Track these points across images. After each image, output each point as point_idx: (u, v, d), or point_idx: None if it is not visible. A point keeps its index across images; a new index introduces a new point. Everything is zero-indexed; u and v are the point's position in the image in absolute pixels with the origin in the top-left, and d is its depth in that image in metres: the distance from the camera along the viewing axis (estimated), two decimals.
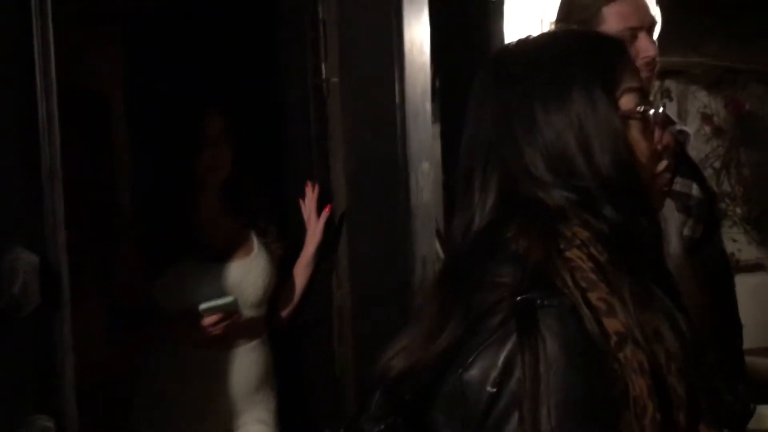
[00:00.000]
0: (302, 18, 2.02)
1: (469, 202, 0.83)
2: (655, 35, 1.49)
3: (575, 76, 0.81)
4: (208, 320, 1.72)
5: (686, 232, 1.49)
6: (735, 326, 1.60)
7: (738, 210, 5.50)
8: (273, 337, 1.99)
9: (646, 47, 1.44)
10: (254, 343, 1.90)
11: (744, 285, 1.63)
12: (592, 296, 0.74)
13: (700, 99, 5.53)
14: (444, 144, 2.76)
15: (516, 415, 0.71)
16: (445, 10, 2.53)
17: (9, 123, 1.10)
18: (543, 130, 0.80)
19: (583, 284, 0.74)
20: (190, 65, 2.15)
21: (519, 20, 2.77)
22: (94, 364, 1.58)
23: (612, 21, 1.44)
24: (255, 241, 1.93)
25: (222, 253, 1.88)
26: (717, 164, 5.48)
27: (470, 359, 0.74)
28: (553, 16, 1.84)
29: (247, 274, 1.88)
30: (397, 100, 1.91)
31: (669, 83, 5.26)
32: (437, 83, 2.76)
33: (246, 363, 1.88)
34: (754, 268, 5.38)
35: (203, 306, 1.71)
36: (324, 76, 2.01)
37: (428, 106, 2.08)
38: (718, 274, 1.57)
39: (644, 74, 1.44)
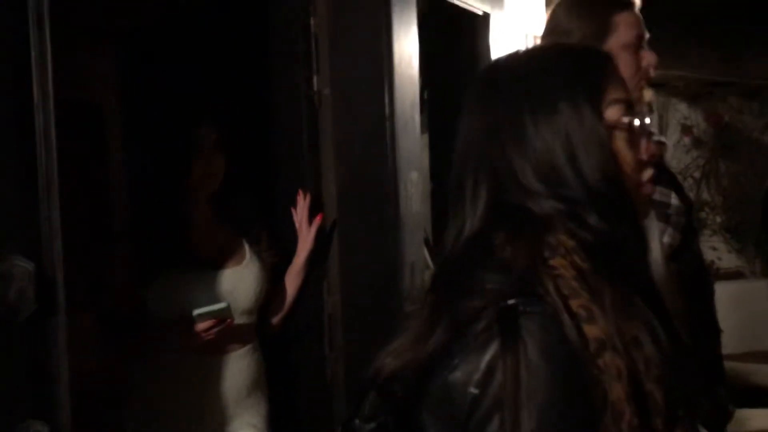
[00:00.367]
0: (294, 31, 2.04)
1: (461, 211, 0.86)
2: None
3: (562, 89, 0.84)
4: (201, 326, 1.73)
5: (666, 239, 1.53)
6: (713, 331, 1.64)
7: (718, 219, 5.58)
8: (264, 344, 2.01)
9: (649, 56, 1.49)
10: (245, 349, 1.92)
11: (724, 292, 1.67)
12: (574, 303, 0.76)
13: (681, 111, 5.61)
14: (432, 154, 2.80)
15: (498, 417, 0.73)
16: (433, 24, 2.57)
17: (6, 132, 1.11)
18: (532, 142, 0.83)
19: (566, 291, 0.76)
20: (184, 77, 2.17)
21: (505, 34, 2.82)
22: (88, 370, 1.59)
23: (623, 29, 1.48)
24: (247, 250, 1.95)
25: (214, 262, 1.89)
26: (697, 174, 5.56)
27: (455, 361, 0.76)
28: (539, 30, 1.88)
29: (238, 282, 1.89)
30: (387, 111, 1.95)
31: (650, 95, 5.32)
32: (426, 95, 2.80)
33: (237, 369, 1.89)
34: (734, 275, 5.44)
35: (197, 312, 1.72)
36: (315, 88, 2.04)
37: (417, 117, 2.12)
38: (696, 280, 1.61)
39: (642, 83, 1.49)
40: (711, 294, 1.65)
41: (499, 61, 0.94)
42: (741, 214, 5.48)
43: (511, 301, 0.75)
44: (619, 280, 0.79)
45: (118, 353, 1.84)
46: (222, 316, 1.75)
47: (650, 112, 5.30)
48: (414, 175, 2.07)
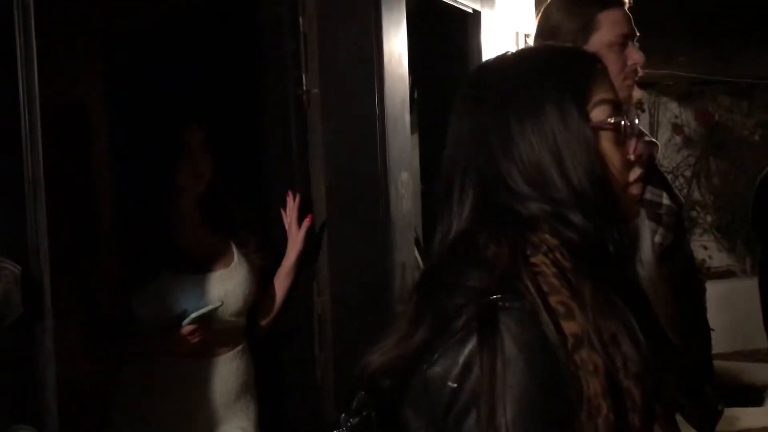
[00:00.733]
0: (283, 30, 2.04)
1: (448, 213, 0.87)
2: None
3: (548, 91, 0.85)
4: (187, 329, 1.72)
5: (657, 239, 1.53)
6: (703, 330, 1.65)
7: (708, 218, 5.61)
8: (254, 346, 2.00)
9: (635, 54, 1.48)
10: (234, 351, 1.90)
11: (715, 291, 1.68)
12: (553, 300, 0.77)
13: (671, 110, 5.65)
14: (422, 154, 2.79)
15: (475, 411, 0.74)
16: (423, 22, 2.56)
17: None
18: (518, 144, 0.84)
19: (545, 288, 0.77)
20: (171, 77, 2.15)
21: (495, 33, 2.81)
22: (76, 374, 1.58)
23: (606, 27, 1.47)
24: (235, 252, 1.94)
25: (202, 264, 1.88)
26: (688, 173, 5.59)
27: (435, 356, 0.78)
28: (529, 29, 1.87)
29: (227, 285, 1.88)
30: (377, 111, 1.94)
31: (641, 94, 5.35)
32: (416, 94, 2.79)
33: (226, 372, 1.88)
34: (724, 274, 5.48)
35: (193, 315, 1.71)
36: (304, 88, 2.03)
37: (407, 116, 2.11)
38: (687, 279, 1.61)
39: (629, 82, 1.48)
40: (702, 293, 1.65)
41: (486, 63, 0.95)
42: (731, 213, 5.52)
43: (491, 298, 0.77)
44: (600, 279, 0.80)
45: (106, 358, 1.83)
46: (213, 317, 1.74)
47: (641, 112, 5.33)
48: (404, 176, 2.07)
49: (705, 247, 5.41)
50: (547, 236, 0.81)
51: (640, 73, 1.51)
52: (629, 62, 1.47)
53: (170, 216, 1.86)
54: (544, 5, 1.60)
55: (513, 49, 0.96)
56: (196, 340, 1.74)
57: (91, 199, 1.96)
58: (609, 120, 0.85)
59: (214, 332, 1.84)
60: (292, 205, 2.00)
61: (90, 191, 1.97)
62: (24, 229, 1.18)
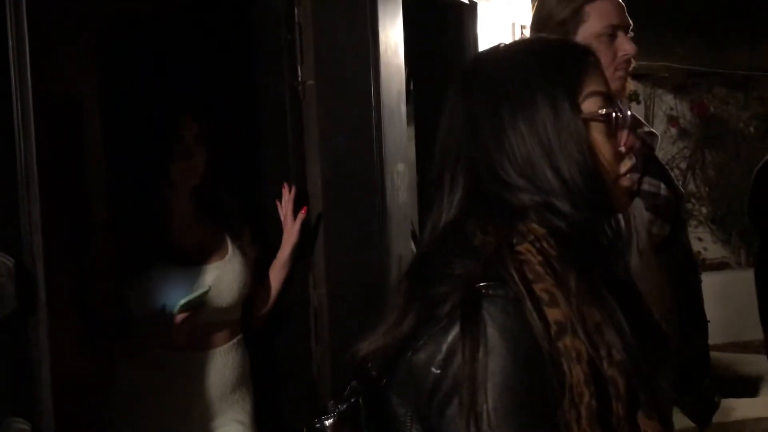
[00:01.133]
0: (278, 21, 2.02)
1: (439, 201, 0.88)
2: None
3: (539, 83, 0.85)
4: (179, 317, 1.71)
5: (654, 230, 1.53)
6: (700, 322, 1.65)
7: (703, 210, 5.63)
8: (250, 338, 1.99)
9: (626, 45, 1.47)
10: (230, 344, 1.90)
11: (710, 283, 1.68)
12: (537, 287, 0.78)
13: (667, 102, 5.65)
14: (419, 145, 2.78)
15: (457, 398, 0.75)
16: (419, 13, 2.55)
17: None
18: (510, 135, 0.84)
19: (530, 276, 0.78)
20: (166, 69, 2.14)
21: (492, 23, 2.81)
22: (70, 367, 1.57)
23: (594, 18, 1.47)
24: (230, 245, 1.93)
25: (196, 257, 1.87)
26: (683, 165, 5.61)
27: (420, 343, 0.79)
28: (526, 20, 1.86)
29: (221, 277, 1.87)
30: (373, 101, 1.93)
31: (636, 86, 5.36)
32: (412, 85, 2.78)
33: (222, 364, 1.88)
34: (719, 266, 5.50)
35: (182, 302, 1.70)
36: (300, 79, 2.02)
37: (403, 107, 2.10)
38: (684, 271, 1.61)
39: (620, 73, 1.47)
40: (698, 285, 1.65)
41: (480, 54, 0.96)
42: (726, 204, 5.53)
43: (475, 286, 0.77)
44: (587, 269, 0.81)
45: (100, 351, 1.82)
46: (203, 301, 1.73)
47: (636, 104, 5.33)
48: (400, 167, 2.06)
49: (700, 239, 5.43)
50: (535, 225, 0.82)
51: (633, 64, 1.50)
52: (620, 53, 1.46)
53: (165, 209, 1.85)
54: None
55: (508, 41, 0.96)
56: (189, 327, 1.73)
57: (85, 192, 1.95)
58: (600, 112, 0.86)
59: (210, 325, 1.83)
60: (287, 197, 2.00)
61: (84, 184, 1.95)
62: (17, 222, 1.17)
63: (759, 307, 2.14)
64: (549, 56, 0.89)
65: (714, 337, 1.70)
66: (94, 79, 2.03)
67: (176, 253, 1.83)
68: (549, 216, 0.82)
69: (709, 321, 1.68)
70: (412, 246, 2.25)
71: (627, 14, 1.52)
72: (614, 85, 1.45)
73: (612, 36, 1.46)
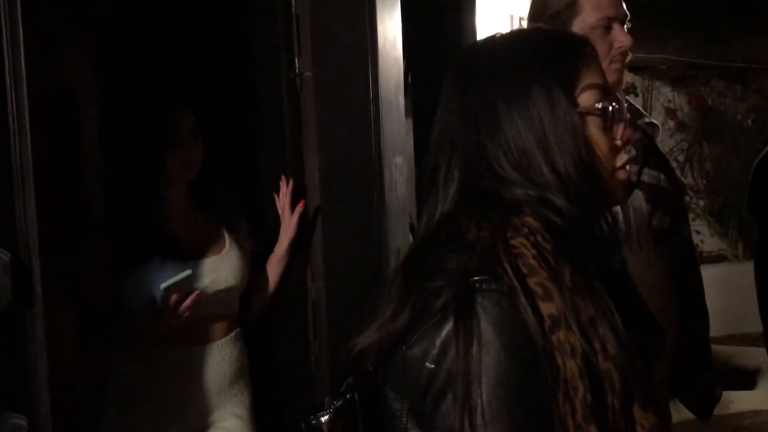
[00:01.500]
0: (275, 12, 2.00)
1: (434, 195, 0.87)
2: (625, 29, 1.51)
3: (535, 75, 0.84)
4: (172, 300, 1.70)
5: (655, 222, 1.52)
6: (701, 314, 1.64)
7: (701, 202, 5.63)
8: (247, 332, 1.99)
9: (621, 37, 1.46)
10: (227, 338, 1.89)
11: (707, 275, 1.68)
12: (531, 281, 0.77)
13: (665, 94, 5.64)
14: (417, 138, 2.77)
15: (451, 392, 0.75)
16: (417, 5, 2.53)
17: None
18: (504, 128, 0.83)
19: (524, 270, 0.78)
20: (161, 61, 2.12)
21: (490, 15, 2.79)
22: (67, 362, 1.56)
23: (588, 10, 1.46)
24: (227, 238, 1.92)
25: (193, 251, 1.86)
26: (681, 158, 5.61)
27: (414, 338, 0.79)
28: (524, 12, 1.85)
29: (218, 271, 1.87)
30: (371, 94, 1.92)
31: (634, 78, 5.35)
32: (410, 78, 2.77)
33: (219, 358, 1.87)
34: (716, 259, 5.51)
35: (164, 285, 1.70)
36: (297, 71, 2.00)
37: (401, 100, 2.09)
38: (685, 263, 1.61)
39: (616, 65, 1.46)
40: (699, 278, 1.65)
41: (475, 46, 0.95)
42: (724, 197, 5.54)
43: (469, 280, 0.77)
44: (582, 263, 0.80)
45: (97, 346, 1.81)
46: (188, 285, 1.72)
47: (634, 96, 5.32)
48: (399, 160, 2.05)
49: (697, 232, 5.42)
50: (530, 219, 0.81)
51: (630, 56, 1.48)
52: (615, 45, 1.45)
53: (161, 203, 1.84)
54: None
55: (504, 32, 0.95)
56: (186, 315, 1.71)
57: (81, 186, 1.93)
58: (596, 105, 0.85)
59: (207, 318, 1.82)
60: (284, 190, 1.99)
61: (80, 178, 1.94)
62: (13, 216, 1.17)
63: (759, 300, 2.14)
64: (545, 48, 0.88)
65: (711, 329, 1.71)
66: (90, 72, 2.01)
67: (173, 247, 1.82)
68: (544, 210, 0.81)
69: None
70: (411, 239, 2.24)
71: (623, 6, 1.51)
72: (610, 78, 1.44)
73: (607, 28, 1.45)
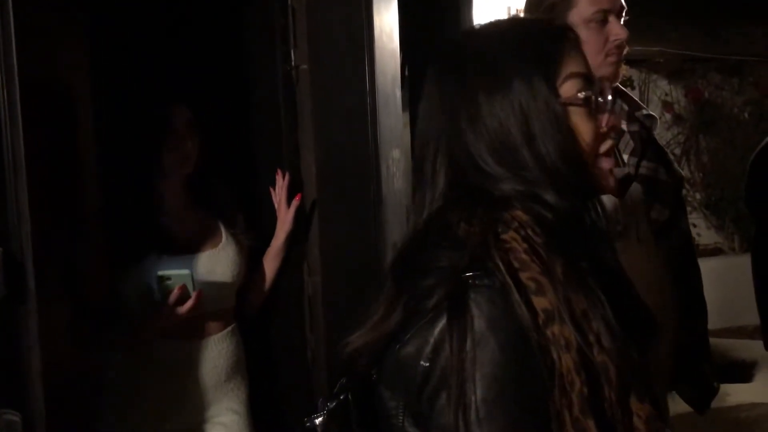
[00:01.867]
0: (271, 5, 1.99)
1: (421, 192, 0.86)
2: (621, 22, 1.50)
3: (515, 65, 0.83)
4: (171, 298, 1.69)
5: (653, 215, 1.51)
6: (699, 307, 1.64)
7: (697, 195, 5.64)
8: (244, 327, 1.98)
9: (617, 30, 1.44)
10: (224, 332, 1.89)
11: (703, 268, 1.68)
12: (523, 276, 0.77)
13: (661, 87, 5.64)
14: (414, 132, 2.75)
15: (446, 390, 0.75)
16: None
17: None
18: (486, 120, 0.82)
19: (516, 264, 0.77)
20: (157, 56, 2.10)
21: (487, 8, 2.78)
22: (61, 357, 1.55)
23: (584, 3, 1.44)
24: (223, 232, 1.91)
25: (189, 245, 1.85)
26: (677, 151, 5.61)
27: (407, 336, 0.78)
28: (521, 4, 1.84)
29: (215, 265, 1.86)
30: (367, 87, 1.91)
31: (631, 71, 5.34)
32: (407, 70, 2.75)
33: (216, 353, 1.87)
34: (713, 251, 5.52)
35: (160, 272, 1.69)
36: (293, 63, 1.99)
37: (398, 93, 2.08)
38: (683, 256, 1.60)
39: (612, 58, 1.45)
40: (698, 271, 1.64)
41: (454, 39, 0.93)
42: (720, 190, 5.54)
43: (461, 276, 0.77)
44: (572, 255, 0.80)
45: (92, 341, 1.80)
46: (185, 282, 1.71)
47: (631, 89, 5.32)
48: (395, 153, 2.04)
49: (694, 225, 5.42)
50: (520, 212, 0.81)
51: (626, 49, 1.47)
52: (611, 38, 1.44)
53: (157, 197, 1.83)
54: None
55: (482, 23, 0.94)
56: (183, 313, 1.70)
57: (76, 180, 1.92)
58: (579, 95, 0.84)
59: (203, 313, 1.81)
60: (281, 183, 1.98)
61: (75, 172, 1.93)
62: (5, 210, 1.15)
63: (755, 292, 2.14)
64: (525, 38, 0.86)
65: (710, 322, 1.70)
66: (85, 66, 1.99)
67: (169, 242, 1.82)
68: (534, 206, 0.81)
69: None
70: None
71: None
72: (606, 71, 1.43)
73: (603, 21, 1.44)
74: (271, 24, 2.00)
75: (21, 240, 1.16)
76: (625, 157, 1.50)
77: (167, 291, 1.70)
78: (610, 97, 0.85)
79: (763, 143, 2.14)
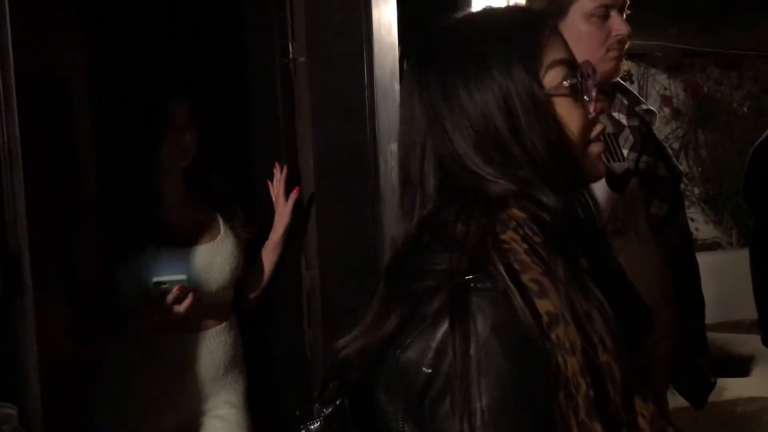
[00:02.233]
0: None
1: (410, 197, 0.84)
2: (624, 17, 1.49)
3: (494, 53, 0.80)
4: (169, 298, 1.69)
5: (652, 210, 1.51)
6: (697, 302, 1.64)
7: (696, 190, 5.63)
8: (242, 320, 1.97)
9: (619, 25, 1.43)
10: (222, 326, 1.89)
11: (701, 263, 1.67)
12: (525, 277, 0.75)
13: (660, 81, 5.63)
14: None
15: (450, 396, 0.73)
16: None
17: None
18: (469, 113, 0.80)
19: (517, 266, 0.75)
20: (155, 48, 2.09)
21: (486, 0, 2.76)
22: (58, 350, 1.55)
23: None
24: (221, 225, 1.91)
25: (188, 238, 1.85)
26: (676, 145, 5.60)
27: (408, 341, 0.76)
28: None
29: (213, 258, 1.86)
30: (366, 80, 1.90)
31: (630, 65, 5.32)
32: (405, 64, 2.74)
33: (214, 346, 1.86)
34: (711, 246, 5.52)
35: (155, 279, 1.69)
36: (291, 56, 1.98)
37: (397, 86, 2.07)
38: (682, 251, 1.60)
39: (614, 53, 1.44)
40: (696, 266, 1.64)
41: (429, 34, 0.88)
42: (719, 185, 5.54)
43: (462, 279, 0.75)
44: (572, 253, 0.78)
45: (89, 335, 1.80)
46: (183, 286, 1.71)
47: (630, 83, 5.31)
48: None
49: (692, 219, 5.41)
50: (516, 211, 0.79)
51: (627, 44, 1.46)
52: (613, 33, 1.43)
53: (155, 189, 1.83)
54: None
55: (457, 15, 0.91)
56: (181, 311, 1.70)
57: (73, 173, 1.92)
58: (564, 84, 0.81)
59: (201, 306, 1.81)
60: (279, 176, 1.97)
61: (72, 165, 1.92)
62: (1, 204, 1.15)
63: (754, 287, 2.14)
64: (503, 24, 0.83)
65: (707, 316, 1.70)
66: (82, 57, 1.99)
67: (167, 234, 1.81)
68: (529, 205, 0.79)
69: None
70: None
71: None
72: (607, 66, 1.42)
73: (605, 15, 1.43)
74: (269, 16, 1.99)
75: (18, 234, 1.16)
76: (625, 152, 1.49)
77: (164, 294, 1.70)
78: (592, 77, 0.82)
79: (762, 137, 2.14)
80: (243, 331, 1.96)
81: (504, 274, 0.74)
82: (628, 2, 1.49)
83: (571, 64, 0.82)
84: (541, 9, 1.38)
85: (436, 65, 0.83)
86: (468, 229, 0.78)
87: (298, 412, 0.87)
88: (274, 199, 1.98)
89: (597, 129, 0.84)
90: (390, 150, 1.99)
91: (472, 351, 0.72)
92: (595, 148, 0.84)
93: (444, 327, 0.74)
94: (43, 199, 1.33)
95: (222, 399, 1.89)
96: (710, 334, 1.76)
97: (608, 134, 1.45)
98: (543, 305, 0.74)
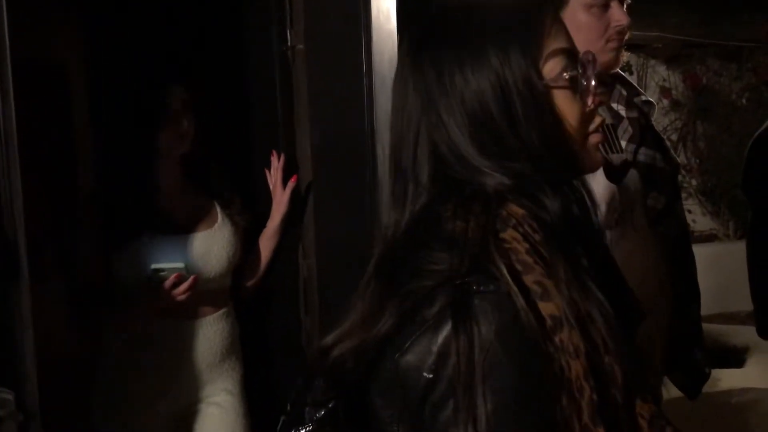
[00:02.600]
0: None
1: (401, 188, 0.81)
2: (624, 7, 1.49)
3: (491, 39, 0.78)
4: (167, 283, 1.70)
5: (650, 202, 1.51)
6: (693, 294, 1.64)
7: (693, 182, 5.64)
8: (239, 308, 1.98)
9: (619, 15, 1.43)
10: (219, 313, 1.89)
11: (698, 254, 1.68)
12: (528, 279, 0.73)
13: (659, 72, 5.61)
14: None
15: (452, 400, 0.71)
16: None
17: None
18: (464, 100, 0.77)
19: (519, 267, 0.73)
20: (151, 35, 2.08)
21: None
22: (55, 336, 1.55)
23: None
24: (218, 213, 1.91)
25: (185, 225, 1.85)
26: (674, 137, 5.60)
27: (407, 344, 0.74)
28: None
29: (210, 246, 1.86)
30: (364, 68, 1.89)
31: (629, 56, 5.31)
32: (399, 46, 2.73)
33: (211, 333, 1.87)
34: (708, 238, 5.53)
35: (154, 265, 1.69)
36: (289, 44, 1.97)
37: None
38: (679, 243, 1.60)
39: (613, 44, 1.44)
40: (693, 258, 1.64)
41: (425, 16, 0.86)
42: (717, 177, 5.54)
43: (464, 281, 0.72)
44: (572, 252, 0.77)
45: (86, 321, 1.80)
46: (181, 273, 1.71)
47: (629, 74, 5.30)
48: None
49: (689, 211, 5.43)
50: (514, 207, 0.76)
51: (627, 35, 1.46)
52: (613, 23, 1.42)
53: (152, 177, 1.82)
54: None
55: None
56: (180, 298, 1.71)
57: (70, 159, 1.91)
58: (564, 75, 0.79)
59: (198, 294, 1.81)
60: (276, 165, 1.97)
61: (69, 151, 1.91)
62: None
63: (750, 279, 2.14)
64: (504, 13, 0.81)
65: (704, 308, 1.71)
66: (79, 43, 1.97)
67: (164, 222, 1.81)
68: (528, 204, 0.77)
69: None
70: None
71: None
72: (607, 57, 1.42)
73: (605, 6, 1.42)
74: (268, 3, 1.98)
75: (14, 219, 1.15)
76: (623, 143, 1.49)
77: (162, 281, 1.70)
78: (592, 69, 0.80)
79: (761, 129, 2.14)
80: (240, 319, 1.97)
81: (507, 275, 0.72)
82: None
83: (571, 54, 0.80)
84: None
85: (432, 49, 0.80)
86: (467, 227, 0.75)
87: (283, 418, 0.83)
88: (271, 187, 1.98)
89: (596, 121, 0.82)
90: (388, 138, 1.99)
91: (476, 356, 0.70)
92: (594, 138, 0.83)
93: (446, 331, 0.72)
94: (40, 183, 1.33)
95: (219, 386, 1.90)
96: (706, 325, 1.77)
97: (607, 125, 1.45)
98: (546, 308, 0.73)
